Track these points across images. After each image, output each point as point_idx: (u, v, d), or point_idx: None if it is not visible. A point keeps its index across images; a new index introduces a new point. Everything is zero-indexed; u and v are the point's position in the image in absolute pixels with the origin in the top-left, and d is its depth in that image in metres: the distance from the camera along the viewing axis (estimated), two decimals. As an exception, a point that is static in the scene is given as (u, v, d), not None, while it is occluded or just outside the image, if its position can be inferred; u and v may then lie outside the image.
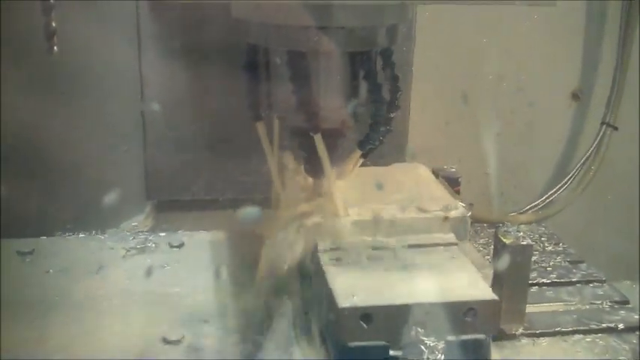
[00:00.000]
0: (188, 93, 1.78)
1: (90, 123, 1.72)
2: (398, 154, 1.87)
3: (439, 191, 1.45)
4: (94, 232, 1.75)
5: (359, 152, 1.45)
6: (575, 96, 2.08)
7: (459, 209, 1.36)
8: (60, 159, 1.72)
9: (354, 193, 1.41)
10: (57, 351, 1.28)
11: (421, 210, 1.34)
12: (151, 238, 1.69)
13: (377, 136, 1.41)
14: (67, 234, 1.73)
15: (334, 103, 1.38)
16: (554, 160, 2.13)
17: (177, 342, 1.30)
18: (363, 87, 1.39)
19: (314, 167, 1.41)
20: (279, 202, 1.48)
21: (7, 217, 1.64)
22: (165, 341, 1.30)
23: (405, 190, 1.43)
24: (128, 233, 1.72)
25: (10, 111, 1.64)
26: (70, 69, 1.66)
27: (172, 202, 1.88)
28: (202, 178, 1.85)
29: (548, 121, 2.08)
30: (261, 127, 1.45)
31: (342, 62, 1.37)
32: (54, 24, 1.29)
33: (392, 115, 1.42)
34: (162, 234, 1.72)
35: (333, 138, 1.39)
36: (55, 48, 1.30)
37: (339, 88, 1.38)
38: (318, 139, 1.34)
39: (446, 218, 1.34)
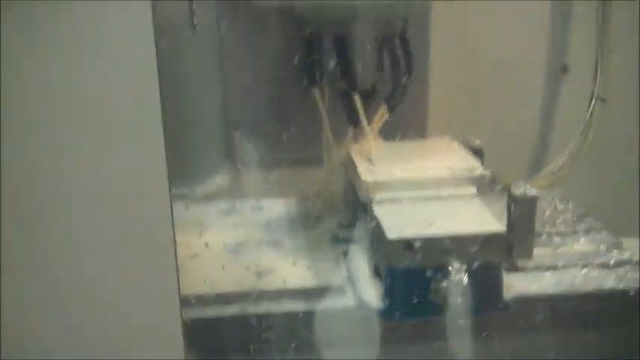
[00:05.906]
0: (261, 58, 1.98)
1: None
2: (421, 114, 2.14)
3: (470, 160, 1.81)
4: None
5: (385, 106, 1.82)
6: (563, 69, 2.24)
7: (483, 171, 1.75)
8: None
9: (398, 161, 1.79)
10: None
11: (451, 170, 1.74)
12: None
13: (399, 93, 1.82)
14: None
15: (369, 69, 1.79)
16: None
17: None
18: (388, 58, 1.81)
19: (354, 119, 1.82)
20: (330, 156, 1.90)
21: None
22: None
23: (439, 158, 1.82)
24: None
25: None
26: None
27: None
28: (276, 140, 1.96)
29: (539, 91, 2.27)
30: (315, 91, 1.85)
31: (372, 38, 1.77)
32: None
33: (411, 78, 1.82)
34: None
35: (367, 96, 1.81)
36: None
37: (371, 58, 1.79)
38: (356, 97, 1.77)
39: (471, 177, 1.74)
